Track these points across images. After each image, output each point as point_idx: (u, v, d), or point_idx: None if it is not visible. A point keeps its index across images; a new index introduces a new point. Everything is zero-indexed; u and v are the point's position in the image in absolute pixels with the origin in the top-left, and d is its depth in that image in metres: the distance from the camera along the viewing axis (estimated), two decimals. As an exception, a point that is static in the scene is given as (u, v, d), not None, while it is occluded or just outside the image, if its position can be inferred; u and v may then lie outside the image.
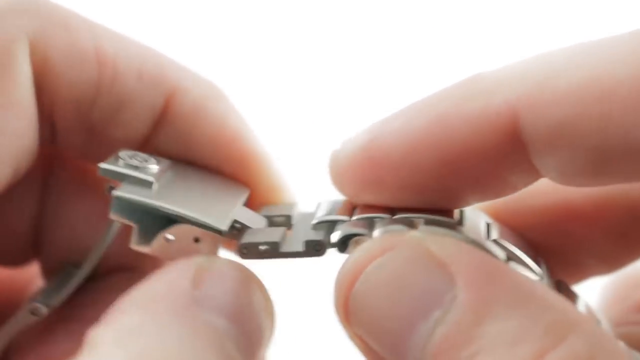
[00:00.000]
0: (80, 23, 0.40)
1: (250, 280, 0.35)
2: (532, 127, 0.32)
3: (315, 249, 0.36)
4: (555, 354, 0.30)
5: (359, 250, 0.33)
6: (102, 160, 0.38)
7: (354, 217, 0.35)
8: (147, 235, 0.36)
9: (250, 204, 0.41)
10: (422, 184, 0.34)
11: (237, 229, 0.38)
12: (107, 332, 0.32)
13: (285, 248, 0.36)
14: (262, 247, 0.36)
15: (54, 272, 0.42)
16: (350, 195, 0.36)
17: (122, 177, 0.37)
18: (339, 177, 0.35)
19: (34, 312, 0.40)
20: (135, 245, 0.37)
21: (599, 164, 0.32)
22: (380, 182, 0.34)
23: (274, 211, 0.40)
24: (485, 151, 0.33)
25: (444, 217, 0.34)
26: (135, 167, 0.38)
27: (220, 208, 0.38)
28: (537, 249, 0.39)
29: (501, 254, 0.35)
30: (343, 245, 0.35)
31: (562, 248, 0.40)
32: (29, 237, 0.44)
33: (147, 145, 0.41)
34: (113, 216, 0.36)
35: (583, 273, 0.41)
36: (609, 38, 0.33)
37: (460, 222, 0.35)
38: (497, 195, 0.35)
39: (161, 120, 0.41)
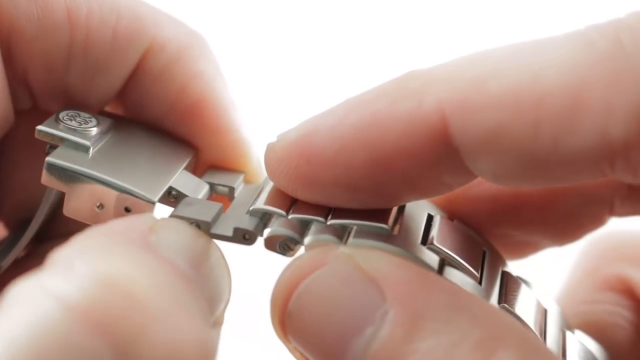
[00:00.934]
0: None
1: (206, 240, 0.35)
2: (461, 131, 0.31)
3: (244, 237, 0.35)
4: None
5: (290, 267, 0.33)
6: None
7: (290, 215, 0.35)
8: (77, 205, 0.36)
9: (198, 164, 0.40)
10: (355, 182, 0.33)
11: (173, 197, 0.37)
12: (65, 248, 0.31)
13: (215, 229, 0.35)
14: (192, 224, 0.35)
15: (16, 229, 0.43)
16: (286, 190, 0.35)
17: (60, 140, 0.37)
18: (273, 170, 0.35)
19: None
20: (67, 212, 0.37)
21: (530, 169, 0.31)
22: (313, 178, 0.34)
23: (219, 178, 0.40)
24: (416, 152, 0.32)
25: (377, 224, 0.34)
26: (74, 130, 0.37)
27: (157, 174, 0.38)
28: (487, 233, 0.39)
29: (436, 259, 0.34)
30: (272, 243, 0.35)
31: (514, 230, 0.40)
32: None
33: (119, 102, 0.41)
34: (45, 181, 0.36)
35: (534, 248, 0.41)
36: (543, 40, 0.32)
37: (394, 226, 0.34)
38: (432, 194, 0.35)
39: (132, 77, 0.40)
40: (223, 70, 0.41)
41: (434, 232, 0.35)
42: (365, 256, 0.33)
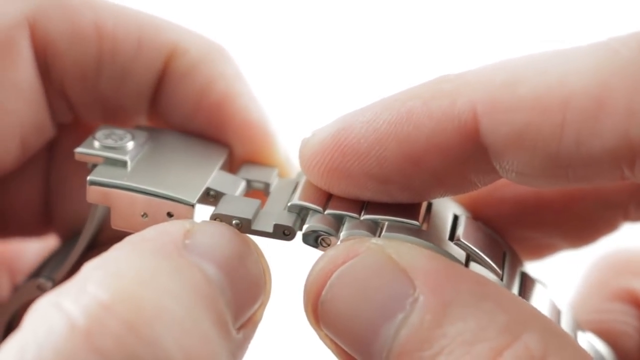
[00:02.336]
0: (78, 1, 0.42)
1: (245, 241, 0.36)
2: (491, 130, 0.33)
3: (284, 233, 0.37)
4: (511, 351, 0.32)
5: (324, 258, 0.35)
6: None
7: (326, 212, 0.37)
8: (123, 217, 0.38)
9: (232, 162, 0.42)
10: (386, 176, 0.35)
11: (212, 196, 0.39)
12: (94, 261, 0.33)
13: (256, 225, 0.37)
14: (235, 221, 0.37)
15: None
16: (320, 184, 0.37)
17: (99, 159, 0.39)
18: (309, 163, 0.37)
19: (40, 287, 0.42)
20: (115, 225, 0.38)
21: (554, 169, 0.33)
22: (347, 170, 0.36)
23: (253, 174, 0.41)
24: (447, 150, 0.34)
25: (408, 220, 0.36)
26: (110, 148, 0.39)
27: (194, 177, 0.39)
28: (507, 235, 0.41)
29: (462, 254, 0.36)
30: (309, 237, 0.37)
31: (533, 233, 0.42)
32: (40, 209, 0.46)
33: (152, 109, 0.43)
34: (90, 199, 0.38)
35: (551, 251, 0.43)
36: (570, 49, 0.34)
37: (423, 223, 0.36)
38: (458, 192, 0.37)
39: (161, 83, 0.43)
40: (244, 72, 0.44)
41: (460, 229, 0.37)
42: (396, 247, 0.34)
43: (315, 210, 0.37)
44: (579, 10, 0.90)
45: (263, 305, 0.36)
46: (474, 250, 0.36)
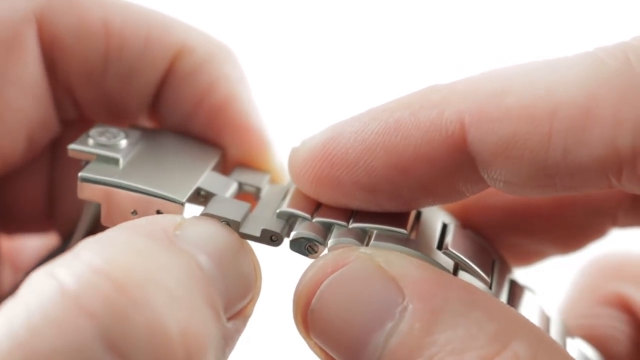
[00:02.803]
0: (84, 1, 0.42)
1: (235, 237, 0.36)
2: (478, 140, 0.34)
3: (271, 238, 0.37)
4: (500, 359, 0.32)
5: (314, 266, 0.35)
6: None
7: (314, 219, 0.37)
8: (113, 214, 0.38)
9: (225, 164, 0.42)
10: (374, 185, 0.36)
11: (202, 196, 0.39)
12: (89, 238, 0.33)
13: (244, 228, 0.37)
14: (222, 222, 0.37)
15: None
16: (309, 192, 0.37)
17: (91, 156, 0.39)
18: (298, 172, 0.37)
19: None
20: (105, 222, 0.38)
21: (542, 179, 0.33)
22: (335, 180, 0.36)
23: (245, 177, 0.41)
24: (434, 160, 0.34)
25: (397, 228, 0.36)
26: (103, 145, 0.39)
27: (186, 176, 0.39)
28: (497, 242, 0.41)
29: (450, 263, 0.36)
30: (297, 244, 0.37)
31: (523, 240, 0.42)
32: (44, 206, 0.46)
33: (154, 108, 0.43)
34: (81, 195, 0.38)
35: (540, 257, 0.43)
36: (557, 59, 0.34)
37: (412, 232, 0.36)
38: (447, 201, 0.37)
39: (164, 82, 0.43)
40: (247, 76, 0.44)
41: (449, 238, 0.37)
42: (385, 256, 0.35)
43: (304, 218, 0.37)
44: (569, 18, 0.90)
45: (253, 300, 0.36)
46: (463, 259, 0.36)
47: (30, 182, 0.45)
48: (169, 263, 0.33)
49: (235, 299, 0.35)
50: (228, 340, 0.34)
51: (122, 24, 0.42)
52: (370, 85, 0.88)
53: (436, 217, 0.39)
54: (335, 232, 0.37)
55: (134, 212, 0.38)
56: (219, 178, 0.41)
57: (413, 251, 0.35)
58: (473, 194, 0.36)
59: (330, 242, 0.36)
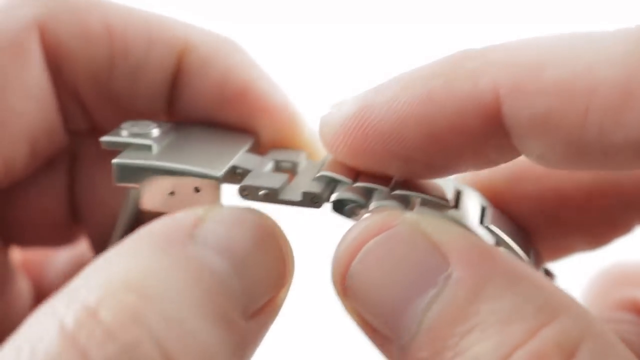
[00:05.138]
0: (87, 4, 0.42)
1: (264, 225, 0.36)
2: (514, 114, 0.33)
3: (312, 200, 0.37)
4: (547, 331, 0.31)
5: (357, 227, 0.35)
6: None
7: (356, 184, 0.36)
8: (152, 196, 0.38)
9: (259, 149, 0.42)
10: (408, 155, 0.35)
11: (239, 174, 0.39)
12: (94, 262, 0.33)
13: (283, 195, 0.37)
14: (261, 192, 0.37)
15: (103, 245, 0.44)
16: (342, 159, 0.37)
17: (125, 146, 0.39)
18: (330, 141, 0.36)
19: None
20: (145, 205, 0.38)
21: (575, 155, 0.33)
22: (369, 150, 0.36)
23: (281, 156, 0.41)
24: (469, 130, 0.34)
25: (440, 199, 0.36)
26: (136, 134, 0.39)
27: (220, 157, 0.39)
28: (528, 233, 0.41)
29: (491, 240, 0.36)
30: (339, 207, 0.36)
31: (553, 232, 0.42)
32: (64, 219, 0.46)
33: (171, 107, 0.43)
34: (117, 183, 0.38)
35: (569, 251, 0.43)
36: (599, 33, 0.33)
37: (455, 205, 0.36)
38: (477, 168, 0.36)
39: (176, 79, 0.43)
40: (258, 61, 0.44)
41: (489, 218, 0.37)
42: (431, 222, 0.34)
43: (345, 182, 0.37)
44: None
45: (283, 290, 0.36)
46: (504, 237, 0.36)
47: (44, 194, 0.45)
48: (170, 284, 0.32)
49: (259, 294, 0.34)
50: (247, 341, 0.34)
51: (124, 26, 0.42)
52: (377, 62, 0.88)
53: (475, 199, 0.38)
54: (377, 196, 0.36)
55: (172, 193, 0.38)
56: (254, 157, 0.40)
57: (458, 220, 0.35)
58: (505, 161, 0.36)
59: (372, 205, 0.36)
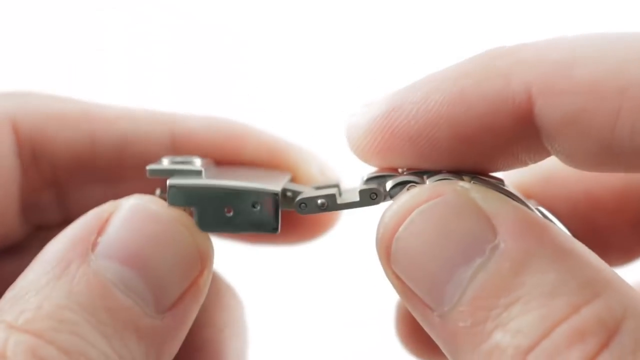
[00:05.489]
0: (62, 98, 0.44)
1: (171, 217, 0.36)
2: (546, 113, 0.33)
3: (371, 197, 0.37)
4: (590, 308, 0.31)
5: (407, 195, 0.35)
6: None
7: (405, 174, 0.37)
8: (207, 217, 0.37)
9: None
10: (438, 155, 0.35)
11: (290, 197, 0.39)
12: (8, 297, 0.34)
13: (341, 200, 0.37)
14: (320, 201, 0.37)
15: None
16: (368, 161, 0.37)
17: (170, 173, 0.38)
18: (357, 144, 0.37)
19: None
20: (204, 228, 0.37)
21: (605, 156, 0.33)
22: (397, 151, 0.36)
23: (321, 185, 0.42)
24: (500, 130, 0.34)
25: (492, 178, 0.36)
26: (181, 163, 0.39)
27: (269, 183, 0.39)
28: None
29: None
30: (398, 188, 0.36)
31: (584, 236, 0.42)
32: None
33: None
34: (171, 204, 0.37)
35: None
36: (626, 34, 0.33)
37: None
38: (506, 168, 0.37)
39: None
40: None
41: (534, 204, 0.37)
42: (482, 193, 0.34)
43: (394, 175, 0.37)
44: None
45: (204, 273, 0.36)
46: (552, 220, 0.36)
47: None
48: (67, 316, 0.33)
49: (172, 288, 0.35)
50: (162, 337, 0.34)
51: (101, 112, 0.43)
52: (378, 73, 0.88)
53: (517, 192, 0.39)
54: (431, 177, 0.36)
55: (229, 212, 0.37)
56: (298, 185, 0.41)
57: (510, 193, 0.35)
58: (534, 162, 0.36)
59: (428, 180, 0.36)
